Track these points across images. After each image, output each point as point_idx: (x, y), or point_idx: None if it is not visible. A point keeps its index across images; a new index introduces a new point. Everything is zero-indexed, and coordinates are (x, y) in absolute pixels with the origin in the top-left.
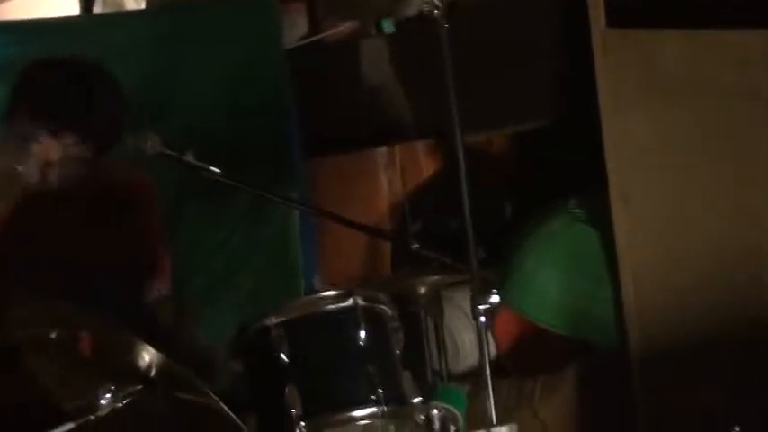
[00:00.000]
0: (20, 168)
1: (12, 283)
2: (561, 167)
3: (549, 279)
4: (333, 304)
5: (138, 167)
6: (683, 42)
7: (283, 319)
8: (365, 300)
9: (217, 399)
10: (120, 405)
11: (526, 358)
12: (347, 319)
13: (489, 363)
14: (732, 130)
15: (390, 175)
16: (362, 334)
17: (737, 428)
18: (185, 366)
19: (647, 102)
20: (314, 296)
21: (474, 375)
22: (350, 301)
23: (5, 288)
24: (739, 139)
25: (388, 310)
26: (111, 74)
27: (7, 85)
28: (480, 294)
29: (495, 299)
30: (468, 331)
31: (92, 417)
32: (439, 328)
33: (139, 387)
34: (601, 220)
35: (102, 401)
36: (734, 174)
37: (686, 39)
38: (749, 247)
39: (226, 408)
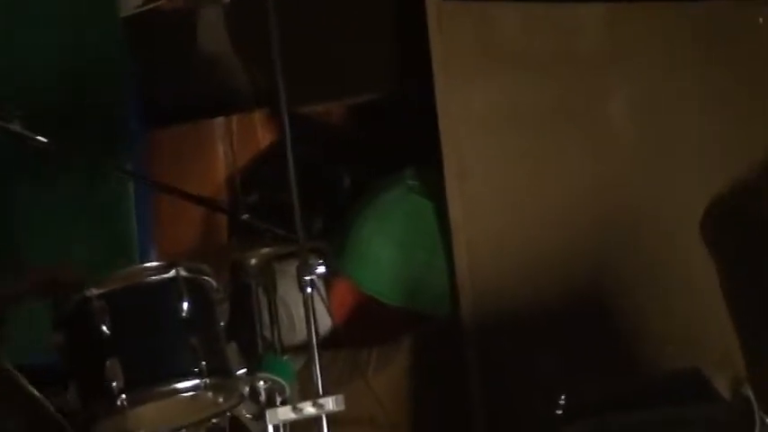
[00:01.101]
0: None
1: None
2: (399, 140)
3: (383, 250)
4: (155, 275)
5: None
6: (516, 14)
7: (104, 290)
8: (187, 271)
9: (11, 368)
10: None
11: (361, 329)
12: (169, 291)
13: (323, 334)
14: (566, 101)
15: (227, 146)
16: (185, 305)
17: (562, 398)
18: None
19: (482, 74)
20: (136, 267)
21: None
22: (172, 273)
23: None
24: (574, 110)
25: (211, 281)
26: None
27: None
28: (307, 265)
29: (321, 269)
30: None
31: None
32: (272, 300)
33: None
34: (436, 192)
35: None
36: (570, 145)
37: (520, 11)
38: (586, 217)
39: (22, 378)
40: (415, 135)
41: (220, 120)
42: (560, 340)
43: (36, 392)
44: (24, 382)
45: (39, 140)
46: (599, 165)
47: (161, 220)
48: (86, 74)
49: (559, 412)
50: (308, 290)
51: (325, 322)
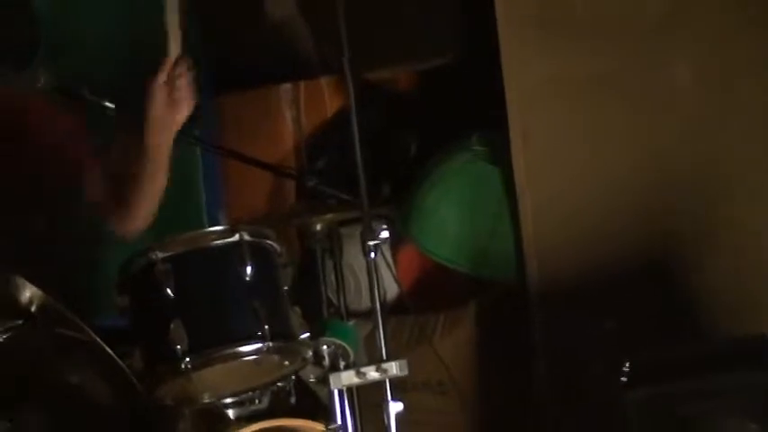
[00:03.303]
0: None
1: None
2: (466, 106)
3: (449, 216)
4: (218, 239)
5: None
6: None
7: (169, 254)
8: (251, 235)
9: (96, 337)
10: (1, 340)
11: (428, 295)
12: (233, 255)
13: (390, 301)
14: (629, 66)
15: (294, 112)
16: (248, 270)
17: (627, 365)
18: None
19: (546, 40)
20: (200, 231)
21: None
22: (236, 237)
23: None
24: (637, 76)
25: (275, 245)
26: None
27: None
28: (371, 230)
29: (385, 235)
30: None
31: None
32: (338, 265)
33: (20, 322)
34: (502, 157)
35: None
36: (633, 110)
37: None
38: (649, 183)
39: (105, 346)
40: (481, 101)
41: (287, 86)
42: (625, 306)
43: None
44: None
45: (106, 106)
46: (662, 131)
47: (229, 186)
48: (152, 41)
49: (624, 379)
50: (372, 255)
51: (391, 288)
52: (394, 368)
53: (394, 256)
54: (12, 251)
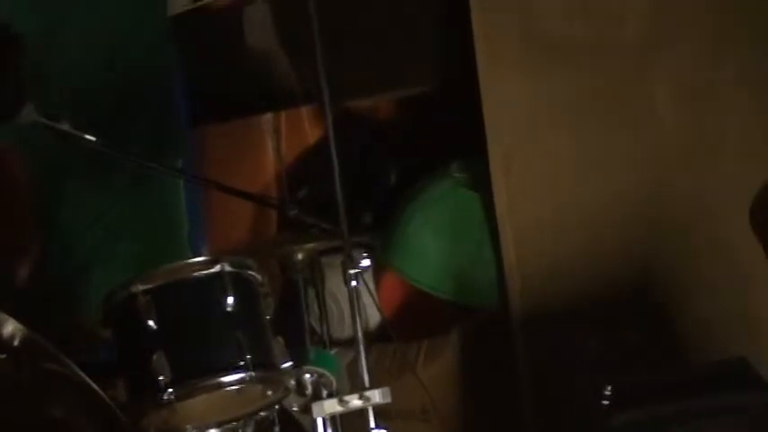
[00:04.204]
0: None
1: None
2: (445, 133)
3: (430, 243)
4: (199, 270)
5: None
6: (558, 2)
7: (150, 286)
8: (232, 266)
9: (78, 370)
10: None
11: (410, 323)
12: (214, 285)
13: (373, 328)
14: (610, 90)
15: (276, 142)
16: (230, 300)
17: (608, 388)
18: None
19: (525, 64)
20: (181, 263)
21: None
22: (217, 267)
23: None
24: (618, 99)
25: (256, 275)
26: (20, 37)
27: None
28: (351, 259)
29: (366, 263)
30: None
31: None
32: (320, 294)
33: (3, 356)
34: (482, 184)
35: None
36: (614, 133)
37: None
38: (632, 207)
39: (88, 379)
40: (460, 128)
41: (268, 116)
42: (608, 330)
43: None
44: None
45: (87, 139)
46: (643, 153)
47: (211, 216)
48: (135, 72)
49: (606, 402)
50: (353, 283)
51: (374, 316)
52: (377, 396)
53: (376, 283)
54: None
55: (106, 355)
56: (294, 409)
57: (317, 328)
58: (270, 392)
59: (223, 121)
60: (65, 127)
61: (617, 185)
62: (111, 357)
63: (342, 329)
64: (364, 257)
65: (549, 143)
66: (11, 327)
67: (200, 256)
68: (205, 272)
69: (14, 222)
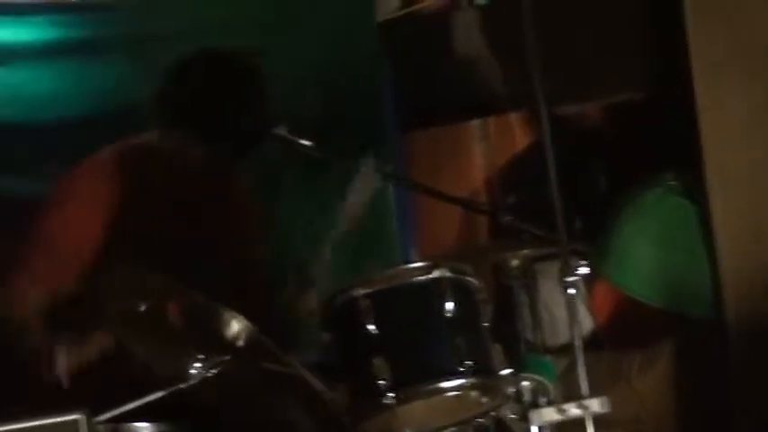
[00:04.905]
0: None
1: (117, 257)
2: (658, 139)
3: (643, 251)
4: (418, 276)
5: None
6: None
7: (370, 290)
8: (451, 271)
9: (302, 371)
10: (209, 375)
11: (623, 332)
12: (433, 291)
13: (585, 336)
14: None
15: (484, 148)
16: (449, 306)
17: None
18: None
19: (741, 74)
20: (400, 268)
21: (570, 349)
22: (435, 273)
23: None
24: None
25: (474, 281)
26: (264, 74)
27: (130, 63)
28: (569, 266)
29: (584, 270)
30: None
31: (182, 386)
32: (533, 301)
33: (227, 357)
34: (696, 192)
35: (192, 371)
36: None
37: None
38: None
39: (312, 380)
40: (671, 135)
41: (477, 122)
42: None
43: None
44: (314, 384)
45: (303, 144)
46: None
47: (420, 221)
48: (344, 78)
49: None
50: (571, 291)
51: (585, 324)
52: (595, 405)
53: (587, 290)
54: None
55: (320, 358)
56: (510, 416)
57: (528, 336)
58: (485, 399)
59: (430, 127)
60: (282, 132)
61: None
62: (325, 360)
63: (552, 337)
64: (582, 265)
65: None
66: (237, 326)
67: (408, 261)
68: (424, 277)
69: (245, 222)
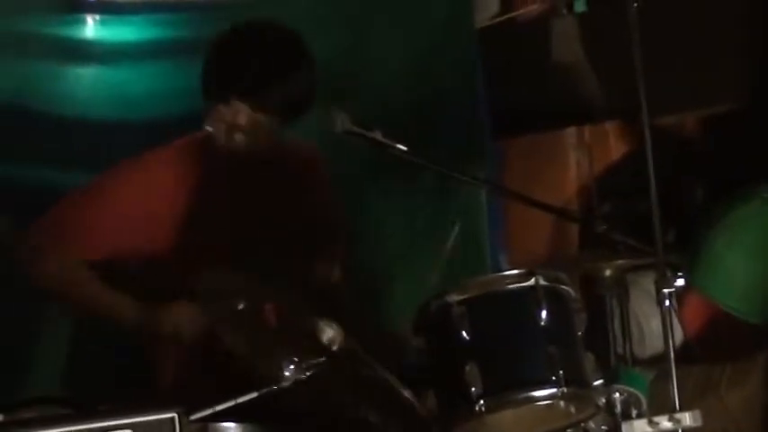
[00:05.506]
0: (209, 129)
1: (196, 247)
2: (755, 151)
3: (737, 263)
4: (514, 283)
5: (310, 143)
6: None
7: (465, 297)
8: (546, 280)
9: (391, 377)
10: (304, 377)
11: (715, 344)
12: (528, 299)
13: (676, 349)
14: None
15: (579, 156)
16: (543, 314)
17: None
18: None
19: None
20: (495, 275)
21: (659, 361)
22: (531, 281)
23: (192, 250)
24: None
25: (569, 290)
26: (306, 45)
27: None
28: (665, 278)
29: (680, 282)
30: (654, 317)
31: (275, 387)
32: (624, 312)
33: (322, 360)
34: None
35: (287, 373)
36: None
37: None
38: None
39: (401, 386)
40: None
41: (572, 130)
42: None
43: (411, 398)
44: (403, 390)
45: (399, 149)
46: None
47: (511, 229)
48: (441, 83)
49: None
50: (666, 303)
51: (676, 336)
52: (688, 418)
53: (678, 302)
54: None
55: (408, 365)
56: (602, 428)
57: (619, 347)
58: (574, 410)
59: (526, 134)
60: (377, 136)
61: None
62: (413, 368)
63: (641, 349)
64: (678, 277)
65: None
66: (331, 333)
67: (498, 266)
68: (519, 285)
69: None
